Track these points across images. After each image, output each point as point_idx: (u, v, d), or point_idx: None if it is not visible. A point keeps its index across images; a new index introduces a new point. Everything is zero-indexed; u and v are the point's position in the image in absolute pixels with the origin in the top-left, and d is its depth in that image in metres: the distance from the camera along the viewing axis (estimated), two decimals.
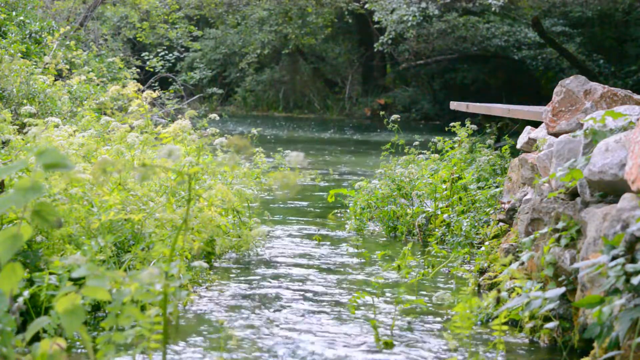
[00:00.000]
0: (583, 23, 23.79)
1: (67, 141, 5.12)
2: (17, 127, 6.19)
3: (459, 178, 6.83)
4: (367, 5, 22.59)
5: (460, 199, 6.59)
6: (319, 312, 4.39)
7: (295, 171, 2.59)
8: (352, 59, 28.82)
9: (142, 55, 19.75)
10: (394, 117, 7.55)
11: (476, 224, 5.94)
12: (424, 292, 4.89)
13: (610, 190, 3.68)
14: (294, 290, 4.87)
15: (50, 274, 3.63)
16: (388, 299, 4.65)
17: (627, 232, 3.07)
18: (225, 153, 5.94)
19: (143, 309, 3.69)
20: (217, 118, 6.48)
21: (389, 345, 3.84)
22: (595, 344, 3.32)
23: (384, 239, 6.68)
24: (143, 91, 6.21)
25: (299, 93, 28.90)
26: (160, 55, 20.31)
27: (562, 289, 3.48)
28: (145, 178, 2.38)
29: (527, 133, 5.58)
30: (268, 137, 17.72)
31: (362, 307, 4.44)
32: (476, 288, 4.91)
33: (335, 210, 7.69)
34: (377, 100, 26.84)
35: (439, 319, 4.34)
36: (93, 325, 3.91)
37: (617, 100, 4.69)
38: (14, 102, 7.38)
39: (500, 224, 5.59)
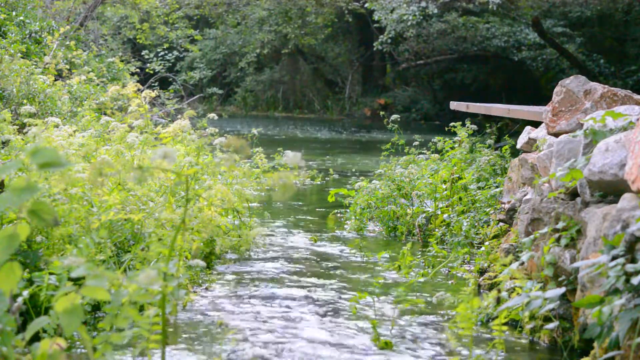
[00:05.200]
0: (583, 23, 23.79)
1: (67, 141, 5.12)
2: (17, 127, 6.18)
3: (459, 178, 6.83)
4: (367, 5, 22.61)
5: (460, 199, 6.59)
6: (319, 312, 4.39)
7: (293, 171, 2.59)
8: (352, 59, 28.82)
9: (142, 54, 19.76)
10: (394, 117, 7.55)
11: (476, 224, 5.94)
12: (424, 292, 4.88)
13: (610, 190, 3.68)
14: (294, 290, 4.86)
15: (50, 274, 3.63)
16: (388, 299, 4.65)
17: (627, 232, 3.07)
18: (224, 153, 5.94)
19: (142, 308, 3.69)
20: (216, 118, 6.48)
21: (389, 345, 3.84)
22: (595, 344, 3.32)
23: (384, 239, 6.68)
24: (142, 91, 6.21)
25: (299, 93, 28.91)
26: (160, 55, 20.32)
27: (562, 289, 3.48)
28: (141, 180, 2.38)
29: (527, 133, 5.58)
30: (268, 137, 17.72)
31: (362, 307, 4.44)
32: (476, 288, 4.90)
33: (336, 210, 7.69)
34: (377, 100, 26.85)
35: (439, 319, 4.34)
36: (93, 325, 3.91)
37: (617, 100, 4.69)
38: (14, 102, 7.38)
39: (500, 224, 5.59)
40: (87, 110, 7.23)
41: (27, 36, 10.48)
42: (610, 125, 3.94)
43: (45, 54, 9.96)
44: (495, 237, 5.61)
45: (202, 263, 3.55)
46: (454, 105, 9.41)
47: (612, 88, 4.78)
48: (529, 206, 4.39)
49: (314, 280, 5.15)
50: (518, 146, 5.66)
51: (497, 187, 6.21)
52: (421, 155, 7.79)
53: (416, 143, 7.79)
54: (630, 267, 2.95)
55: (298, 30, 26.36)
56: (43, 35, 10.65)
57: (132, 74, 13.12)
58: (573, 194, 4.08)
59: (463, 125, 7.42)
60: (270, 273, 5.28)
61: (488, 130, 8.22)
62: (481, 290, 4.91)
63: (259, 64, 28.64)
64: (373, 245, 6.37)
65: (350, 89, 28.15)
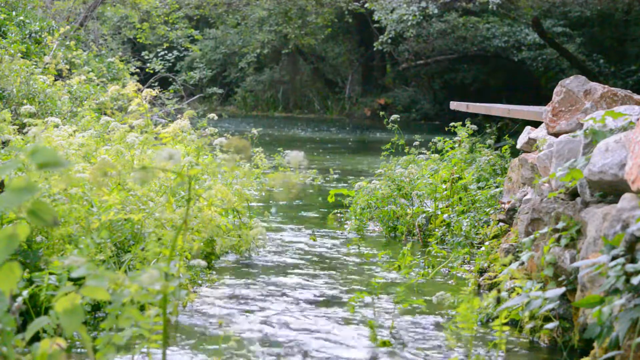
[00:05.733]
0: (583, 23, 23.80)
1: (67, 141, 5.12)
2: (17, 127, 6.18)
3: (459, 178, 6.83)
4: (367, 5, 22.61)
5: (460, 199, 6.59)
6: (319, 312, 4.39)
7: (295, 172, 2.60)
8: (352, 59, 28.82)
9: (142, 55, 19.76)
10: (394, 117, 7.56)
11: (476, 224, 5.94)
12: (424, 292, 4.88)
13: (610, 190, 3.68)
14: (294, 290, 4.87)
15: (50, 274, 3.63)
16: (388, 299, 4.65)
17: (627, 232, 3.07)
18: (224, 153, 5.94)
19: (143, 308, 3.69)
20: (216, 118, 6.48)
21: (388, 345, 3.84)
22: (595, 344, 3.32)
23: (384, 239, 6.68)
24: (142, 91, 6.22)
25: (299, 93, 28.91)
26: (160, 55, 20.32)
27: (562, 289, 3.48)
28: (144, 181, 2.38)
29: (527, 133, 5.58)
30: (268, 137, 17.72)
31: (362, 307, 4.44)
32: (476, 288, 4.90)
33: (336, 210, 7.69)
34: (377, 100, 26.84)
35: (439, 319, 4.34)
36: (93, 325, 3.91)
37: (617, 100, 4.68)
38: (14, 102, 7.38)
39: (500, 224, 5.59)
40: (87, 110, 7.23)
41: (27, 36, 10.48)
42: (610, 125, 3.94)
43: (45, 54, 9.96)
44: (495, 237, 5.61)
45: (203, 263, 3.55)
46: (454, 105, 9.42)
47: (612, 88, 4.78)
48: (529, 206, 4.39)
49: (313, 279, 5.15)
50: (518, 146, 5.66)
51: (497, 187, 6.21)
52: (421, 155, 7.79)
53: (416, 143, 7.79)
54: (630, 267, 2.95)
55: (298, 30, 26.35)
56: (43, 35, 10.65)
57: (132, 74, 13.12)
58: (573, 194, 4.08)
59: (463, 125, 7.42)
60: (269, 273, 5.28)
61: (488, 130, 8.22)
62: (481, 290, 4.91)
63: (259, 64, 28.65)
64: (373, 245, 6.37)
65: (350, 89, 28.15)
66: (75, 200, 4.32)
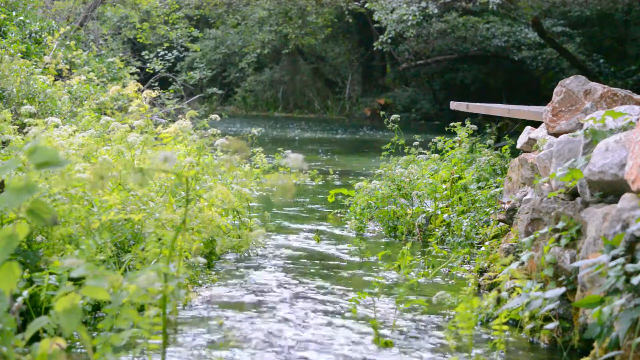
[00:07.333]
0: (583, 23, 23.79)
1: (67, 141, 5.12)
2: (17, 127, 6.18)
3: (459, 178, 6.83)
4: (367, 5, 22.62)
5: (460, 199, 6.59)
6: (319, 312, 4.39)
7: (294, 172, 2.60)
8: (352, 59, 28.83)
9: (142, 55, 19.77)
10: (394, 117, 7.56)
11: (476, 224, 5.94)
12: (424, 292, 4.88)
13: (610, 190, 3.68)
14: (294, 290, 4.87)
15: (50, 274, 3.63)
16: (388, 299, 4.65)
17: (627, 232, 3.07)
18: (224, 154, 5.94)
19: (142, 308, 3.69)
20: (218, 119, 6.48)
21: (389, 345, 3.84)
22: (595, 344, 3.32)
23: (384, 239, 6.68)
24: (143, 91, 6.21)
25: (299, 93, 28.92)
26: (160, 55, 20.32)
27: (562, 289, 3.48)
28: (141, 184, 2.38)
29: (527, 133, 5.58)
30: (268, 137, 17.72)
31: (362, 307, 4.44)
32: (476, 288, 4.90)
33: (336, 211, 7.69)
34: (377, 100, 26.85)
35: (439, 319, 4.34)
36: (93, 326, 3.91)
37: (617, 100, 4.68)
38: (14, 102, 7.37)
39: (500, 224, 5.59)
40: (87, 110, 7.22)
41: (27, 36, 10.48)
42: (610, 125, 3.94)
43: (45, 54, 9.96)
44: (495, 237, 5.61)
45: (203, 260, 3.55)
46: (454, 105, 9.43)
47: (612, 88, 4.78)
48: (529, 206, 4.39)
49: (313, 280, 5.15)
50: (518, 146, 5.66)
51: (497, 187, 6.21)
52: (421, 155, 7.79)
53: (416, 143, 7.79)
54: (630, 267, 2.95)
55: (298, 30, 26.36)
56: (43, 35, 10.65)
57: (132, 74, 13.12)
58: (573, 194, 4.08)
59: (463, 125, 7.42)
60: (270, 273, 5.28)
61: (488, 130, 8.22)
62: (481, 290, 4.91)
63: (259, 64, 28.65)
64: (373, 245, 6.37)
65: (350, 89, 28.15)
66: (75, 200, 4.32)
